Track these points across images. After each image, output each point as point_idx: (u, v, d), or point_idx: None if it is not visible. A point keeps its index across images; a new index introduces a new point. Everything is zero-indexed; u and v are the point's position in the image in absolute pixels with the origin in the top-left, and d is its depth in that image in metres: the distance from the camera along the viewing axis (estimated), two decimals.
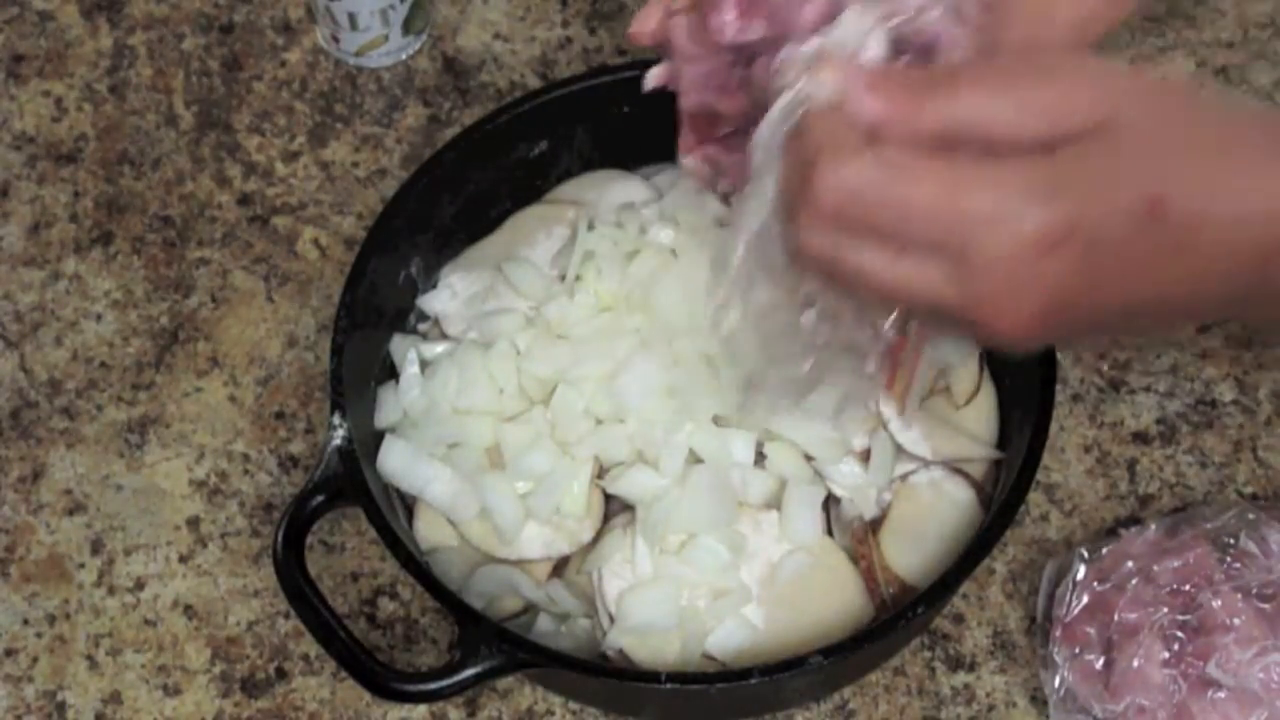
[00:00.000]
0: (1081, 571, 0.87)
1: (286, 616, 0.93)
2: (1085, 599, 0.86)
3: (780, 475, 0.88)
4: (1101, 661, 0.85)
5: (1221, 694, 0.82)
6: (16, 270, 1.04)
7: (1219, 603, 0.84)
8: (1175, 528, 0.88)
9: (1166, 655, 0.83)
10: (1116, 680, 0.84)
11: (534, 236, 0.98)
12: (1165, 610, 0.84)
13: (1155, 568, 0.86)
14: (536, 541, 0.88)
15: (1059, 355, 0.89)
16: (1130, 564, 0.87)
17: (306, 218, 1.05)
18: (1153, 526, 0.88)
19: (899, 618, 0.82)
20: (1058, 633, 0.86)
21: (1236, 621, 0.83)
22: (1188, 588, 0.85)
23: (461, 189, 0.95)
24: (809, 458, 0.89)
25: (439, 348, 0.94)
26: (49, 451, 0.98)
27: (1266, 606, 0.84)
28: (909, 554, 0.88)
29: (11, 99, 1.10)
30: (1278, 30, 1.10)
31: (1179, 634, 0.83)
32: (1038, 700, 0.89)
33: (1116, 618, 0.85)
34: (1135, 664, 0.83)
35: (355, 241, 1.03)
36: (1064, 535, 0.94)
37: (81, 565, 0.95)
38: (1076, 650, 0.86)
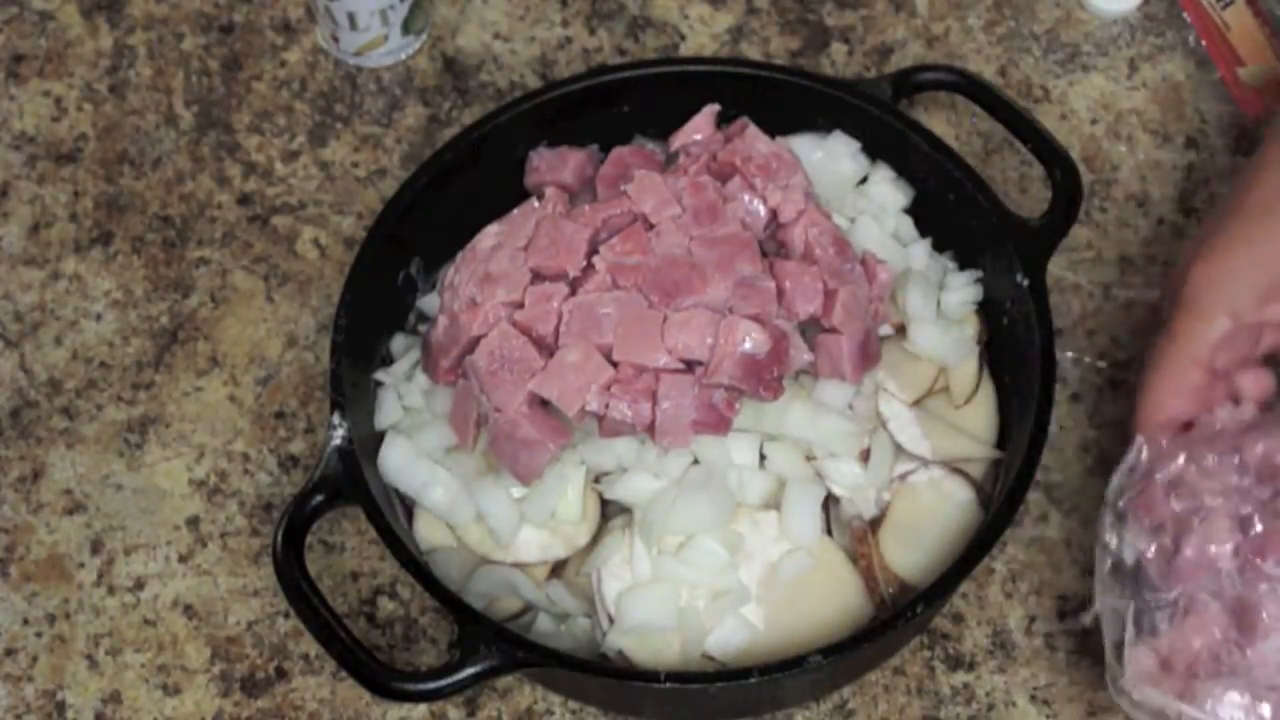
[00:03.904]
0: (1145, 453, 0.84)
1: (286, 616, 0.93)
2: (1156, 478, 0.82)
3: (779, 475, 0.88)
4: (1166, 542, 0.81)
5: None
6: (16, 270, 1.04)
7: None
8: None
9: (1232, 546, 0.79)
10: (1179, 564, 0.80)
11: None
12: (1238, 500, 0.81)
13: (1239, 455, 0.82)
14: (533, 545, 0.88)
15: (1058, 355, 0.89)
16: (1209, 450, 0.83)
17: (306, 218, 1.05)
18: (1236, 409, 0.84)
19: (898, 617, 0.82)
20: (1123, 505, 0.83)
21: None
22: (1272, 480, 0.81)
23: (461, 189, 0.95)
24: (809, 458, 0.89)
25: None
26: (49, 451, 0.98)
27: None
28: (909, 554, 0.88)
29: (11, 99, 1.10)
30: None
31: (1257, 524, 0.80)
32: (1037, 700, 0.90)
33: (1182, 504, 0.81)
34: (1201, 550, 0.80)
35: (355, 241, 1.03)
36: (1064, 535, 0.94)
37: (81, 565, 0.95)
38: (1144, 526, 0.82)
